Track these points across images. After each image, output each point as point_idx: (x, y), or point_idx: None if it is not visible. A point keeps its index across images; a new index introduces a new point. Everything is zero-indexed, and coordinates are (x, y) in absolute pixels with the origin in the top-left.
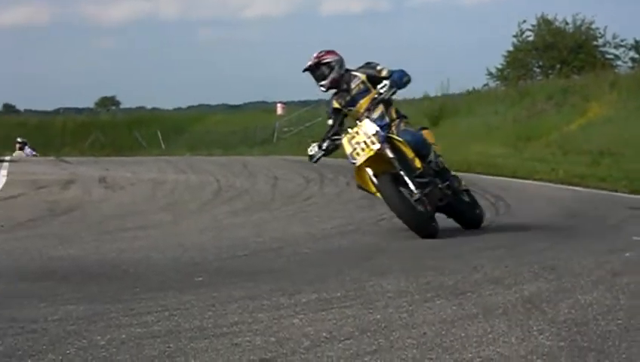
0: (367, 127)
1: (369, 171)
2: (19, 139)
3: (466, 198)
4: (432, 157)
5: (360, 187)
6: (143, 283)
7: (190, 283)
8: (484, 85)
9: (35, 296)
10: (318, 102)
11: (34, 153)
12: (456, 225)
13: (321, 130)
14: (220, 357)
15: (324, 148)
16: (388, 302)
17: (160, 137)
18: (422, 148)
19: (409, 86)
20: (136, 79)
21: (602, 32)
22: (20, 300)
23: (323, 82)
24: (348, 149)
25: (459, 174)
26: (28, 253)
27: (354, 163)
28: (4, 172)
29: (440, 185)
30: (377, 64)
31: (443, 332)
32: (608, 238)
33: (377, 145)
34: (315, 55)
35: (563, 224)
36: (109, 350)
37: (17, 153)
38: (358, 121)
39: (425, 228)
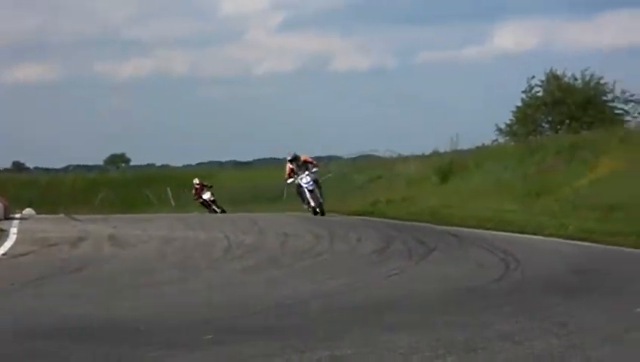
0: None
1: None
2: (196, 181)
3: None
4: None
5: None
6: (154, 341)
7: (200, 341)
8: (494, 141)
9: (46, 355)
10: (329, 158)
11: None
12: (466, 282)
13: (331, 185)
14: None
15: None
16: (399, 358)
17: (170, 194)
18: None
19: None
20: (145, 136)
21: (611, 87)
22: (31, 359)
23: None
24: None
25: (468, 230)
26: (39, 311)
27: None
28: (15, 230)
29: None
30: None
31: None
32: (618, 294)
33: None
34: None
35: (573, 280)
36: None
37: (27, 210)
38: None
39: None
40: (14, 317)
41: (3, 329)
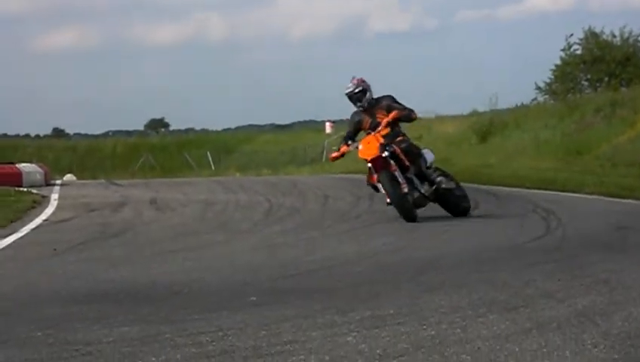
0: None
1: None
2: None
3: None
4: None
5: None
6: (196, 304)
7: (243, 303)
8: (533, 100)
9: (88, 319)
10: None
11: None
12: (507, 240)
13: None
14: None
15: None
16: (441, 317)
17: (210, 158)
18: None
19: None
20: (184, 101)
21: None
22: (73, 323)
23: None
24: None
25: (508, 189)
26: (80, 275)
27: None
28: (56, 196)
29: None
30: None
31: (497, 348)
32: None
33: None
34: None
35: (614, 237)
36: None
37: (68, 176)
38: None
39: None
40: (55, 282)
41: (43, 294)
